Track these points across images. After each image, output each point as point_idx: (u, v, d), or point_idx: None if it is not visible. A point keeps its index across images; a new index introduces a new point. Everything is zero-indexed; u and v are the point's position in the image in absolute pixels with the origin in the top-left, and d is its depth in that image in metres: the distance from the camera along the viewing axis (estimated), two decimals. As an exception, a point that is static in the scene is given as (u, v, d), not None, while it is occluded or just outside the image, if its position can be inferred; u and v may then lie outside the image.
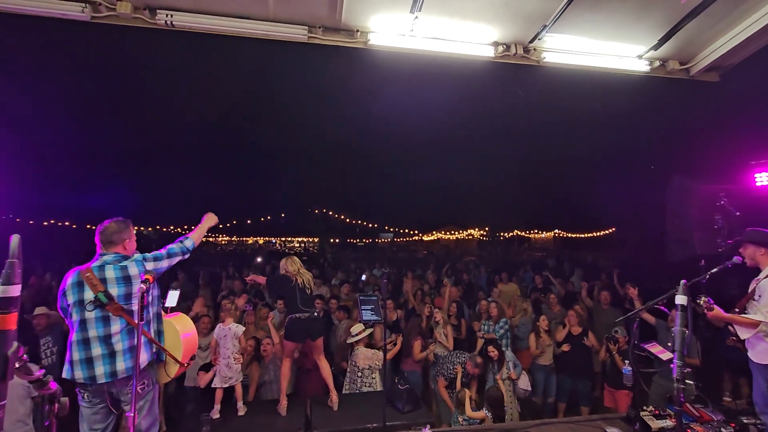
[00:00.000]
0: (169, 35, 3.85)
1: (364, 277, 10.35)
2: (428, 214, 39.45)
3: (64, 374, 2.60)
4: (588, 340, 5.27)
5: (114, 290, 2.63)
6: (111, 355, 2.58)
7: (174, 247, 2.97)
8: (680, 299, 2.25)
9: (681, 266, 4.87)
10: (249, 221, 36.67)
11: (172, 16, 3.58)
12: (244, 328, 4.34)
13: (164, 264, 2.88)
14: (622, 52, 4.40)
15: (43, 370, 1.39)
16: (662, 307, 3.65)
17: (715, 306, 3.14)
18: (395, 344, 5.19)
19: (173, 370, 2.90)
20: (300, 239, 47.55)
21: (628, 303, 6.89)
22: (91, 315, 2.59)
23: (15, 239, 1.31)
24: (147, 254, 2.84)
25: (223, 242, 44.42)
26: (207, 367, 4.30)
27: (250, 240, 45.92)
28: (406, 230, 45.04)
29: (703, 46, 4.45)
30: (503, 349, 5.24)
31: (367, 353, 4.86)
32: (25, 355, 1.29)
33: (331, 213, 35.35)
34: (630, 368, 3.38)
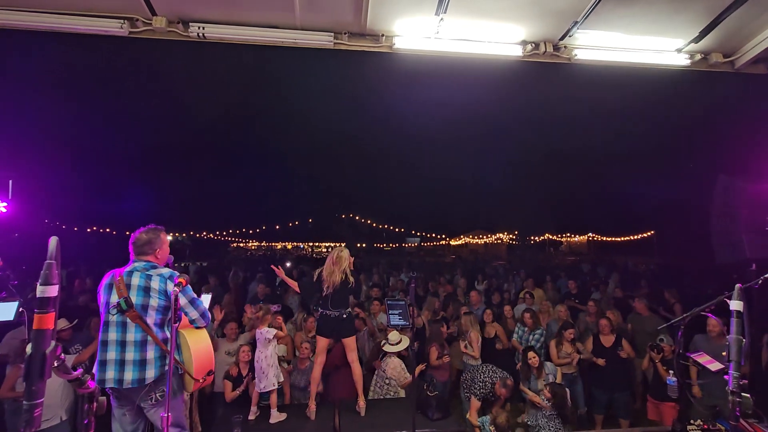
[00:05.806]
0: (201, 47, 3.97)
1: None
2: (456, 218, 39.01)
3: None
4: (623, 351, 4.95)
5: (134, 298, 2.63)
6: (120, 363, 2.59)
7: (202, 304, 2.86)
8: (735, 305, 2.08)
9: (728, 271, 4.57)
10: (278, 227, 37.41)
11: (203, 28, 3.70)
12: (275, 331, 4.38)
13: (185, 299, 2.73)
14: (659, 46, 4.20)
15: (81, 370, 1.43)
16: (710, 314, 3.43)
17: None
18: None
19: (190, 385, 2.77)
20: (327, 244, 48.14)
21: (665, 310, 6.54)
22: (112, 318, 2.63)
23: (53, 241, 1.34)
24: (182, 280, 2.53)
25: (253, 247, 45.58)
26: (235, 378, 4.38)
27: (279, 245, 46.88)
28: (433, 234, 44.61)
29: (749, 37, 4.18)
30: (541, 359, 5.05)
31: (396, 365, 4.73)
32: (63, 355, 1.32)
33: (357, 218, 35.55)
34: (675, 379, 3.19)
